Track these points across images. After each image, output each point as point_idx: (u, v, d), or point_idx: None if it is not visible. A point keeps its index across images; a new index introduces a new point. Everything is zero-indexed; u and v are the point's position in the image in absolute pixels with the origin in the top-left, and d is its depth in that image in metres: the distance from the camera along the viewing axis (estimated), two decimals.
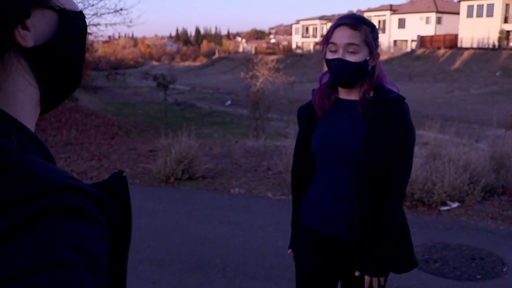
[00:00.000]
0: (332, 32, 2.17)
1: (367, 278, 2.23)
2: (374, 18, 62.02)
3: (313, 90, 2.42)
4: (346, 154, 2.20)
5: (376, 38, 2.21)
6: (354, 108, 2.24)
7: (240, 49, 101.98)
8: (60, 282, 0.52)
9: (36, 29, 0.71)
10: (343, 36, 2.13)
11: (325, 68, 2.30)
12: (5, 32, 0.67)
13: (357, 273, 2.24)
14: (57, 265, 0.53)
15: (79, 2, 15.83)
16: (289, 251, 2.59)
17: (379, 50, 2.25)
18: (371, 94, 2.23)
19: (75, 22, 0.78)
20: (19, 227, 0.54)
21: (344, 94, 2.30)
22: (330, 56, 2.18)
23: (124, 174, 0.77)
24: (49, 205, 0.56)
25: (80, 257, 0.55)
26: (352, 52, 2.13)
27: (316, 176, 2.37)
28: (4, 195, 0.56)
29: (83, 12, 0.83)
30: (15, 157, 0.60)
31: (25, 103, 0.73)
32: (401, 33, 58.74)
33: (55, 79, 0.78)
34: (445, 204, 6.27)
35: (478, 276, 4.39)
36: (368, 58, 2.16)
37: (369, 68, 2.20)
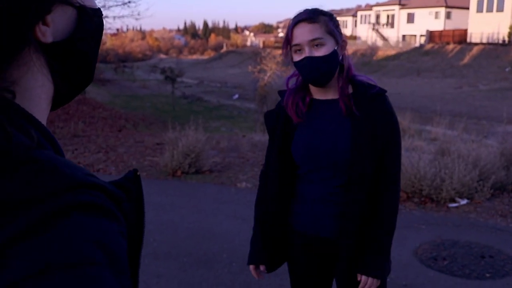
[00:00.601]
0: (292, 33, 2.05)
1: (364, 278, 2.11)
2: (383, 13, 61.79)
3: (280, 91, 2.31)
4: (334, 155, 2.08)
5: (337, 26, 2.09)
6: (334, 108, 2.13)
7: (248, 43, 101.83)
8: (85, 279, 0.52)
9: (55, 25, 0.71)
10: (303, 33, 2.02)
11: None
12: (28, 27, 0.66)
13: (359, 277, 2.13)
14: (83, 262, 0.53)
15: None
16: (252, 267, 2.44)
17: (344, 37, 2.12)
18: (350, 89, 2.13)
19: (93, 19, 0.79)
20: (43, 223, 0.53)
21: (319, 95, 2.18)
22: (297, 57, 2.06)
23: (138, 173, 0.77)
24: (72, 202, 0.56)
25: (104, 255, 0.55)
26: (318, 46, 2.02)
27: (300, 182, 2.23)
28: (27, 191, 0.55)
29: (101, 9, 0.83)
30: (36, 152, 0.60)
31: (41, 99, 0.73)
32: (410, 27, 58.40)
33: (72, 75, 0.78)
34: (453, 201, 6.21)
35: (488, 275, 4.34)
36: (336, 48, 2.05)
37: (340, 58, 2.09)
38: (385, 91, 2.13)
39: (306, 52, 2.02)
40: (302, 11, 2.08)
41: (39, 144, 0.64)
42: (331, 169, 2.12)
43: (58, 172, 0.58)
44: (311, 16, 2.02)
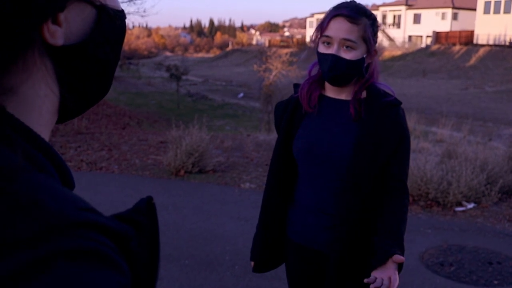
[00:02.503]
0: (328, 23, 1.95)
1: (378, 278, 1.89)
2: (390, 13, 61.60)
3: (295, 84, 2.24)
4: (335, 157, 2.00)
5: (375, 33, 2.00)
6: (344, 110, 2.05)
7: (254, 42, 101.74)
8: None
9: (69, 25, 0.60)
10: (339, 29, 1.92)
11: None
12: (34, 25, 0.55)
13: (366, 280, 1.90)
14: None
15: None
16: (252, 263, 2.39)
17: (376, 46, 2.03)
18: (364, 94, 2.04)
19: (115, 22, 0.68)
20: (19, 277, 0.41)
21: (332, 93, 2.10)
22: (323, 49, 1.98)
23: (153, 201, 0.63)
24: (57, 249, 0.44)
25: None
26: (348, 48, 1.92)
27: (298, 184, 2.15)
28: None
29: (124, 12, 0.71)
30: (15, 181, 0.48)
31: (43, 111, 0.61)
32: (416, 28, 58.20)
33: (82, 85, 0.66)
34: (460, 204, 6.12)
35: (495, 282, 4.25)
36: (365, 56, 1.97)
37: (365, 65, 2.00)
38: (400, 103, 2.04)
39: (334, 49, 1.94)
40: (347, 3, 1.98)
41: (32, 162, 0.53)
42: (328, 172, 2.03)
43: (41, 208, 0.46)
44: (353, 14, 1.92)
